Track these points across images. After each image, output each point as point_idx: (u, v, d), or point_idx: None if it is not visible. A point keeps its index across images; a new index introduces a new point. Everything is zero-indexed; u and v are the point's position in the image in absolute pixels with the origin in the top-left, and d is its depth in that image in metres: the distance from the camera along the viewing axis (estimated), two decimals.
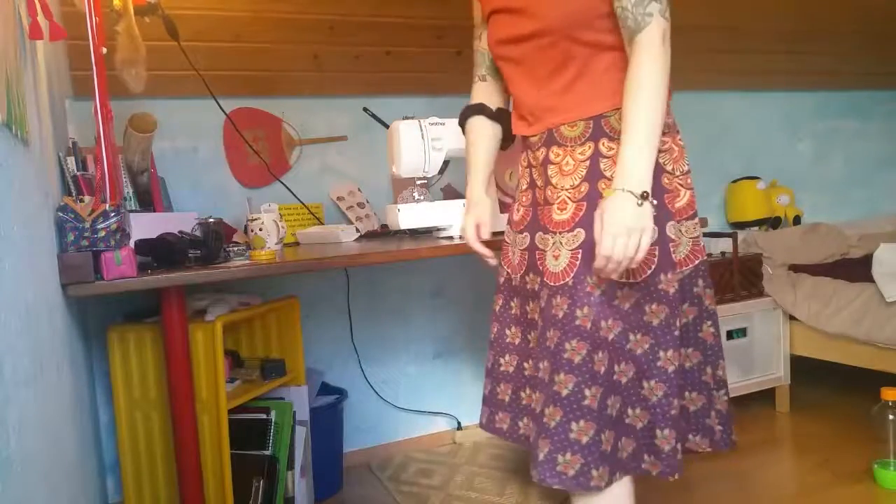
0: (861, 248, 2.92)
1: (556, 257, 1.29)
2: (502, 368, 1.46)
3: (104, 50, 1.53)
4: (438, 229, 1.95)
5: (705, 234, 2.79)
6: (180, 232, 1.59)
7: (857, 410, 2.50)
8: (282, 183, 2.35)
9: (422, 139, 1.85)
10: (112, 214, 1.38)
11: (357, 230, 2.19)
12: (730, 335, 2.58)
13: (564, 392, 1.23)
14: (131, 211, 1.78)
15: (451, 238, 1.88)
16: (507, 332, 1.47)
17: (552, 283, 1.28)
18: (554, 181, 1.34)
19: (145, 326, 1.84)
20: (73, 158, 1.68)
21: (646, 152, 1.17)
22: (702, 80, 3.02)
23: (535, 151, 1.40)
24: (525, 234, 1.42)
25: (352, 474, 2.38)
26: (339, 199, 2.44)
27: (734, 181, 3.15)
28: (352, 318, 2.50)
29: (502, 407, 1.47)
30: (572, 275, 1.26)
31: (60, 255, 1.31)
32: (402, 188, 2.38)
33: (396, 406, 2.58)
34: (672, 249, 1.27)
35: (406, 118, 1.89)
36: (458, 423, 2.66)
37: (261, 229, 1.88)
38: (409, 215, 1.86)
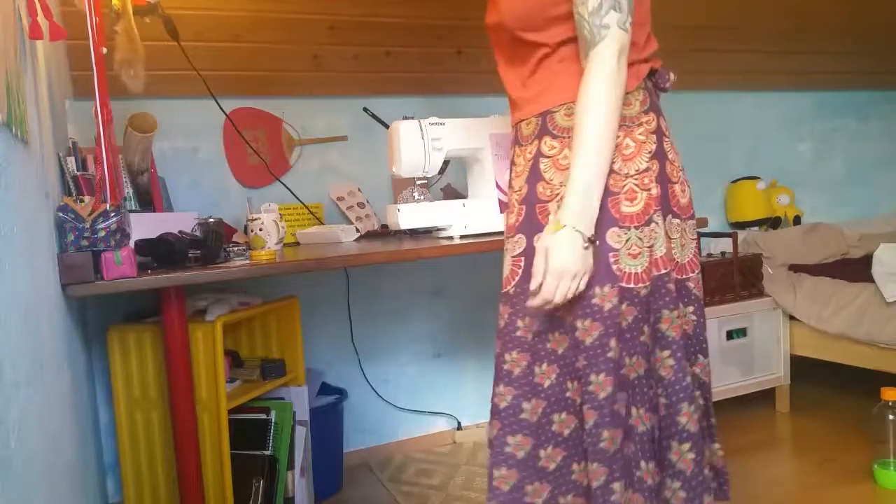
0: (861, 248, 2.92)
1: (505, 263, 1.24)
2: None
3: (104, 50, 1.53)
4: (438, 229, 1.95)
5: (705, 234, 2.80)
6: (180, 232, 1.59)
7: (857, 410, 2.50)
8: (282, 183, 2.35)
9: (422, 139, 1.85)
10: (112, 214, 1.38)
11: (357, 230, 2.19)
12: (730, 335, 2.59)
13: (503, 405, 1.17)
14: (131, 211, 1.78)
15: (451, 238, 1.88)
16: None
17: (502, 290, 1.23)
18: (512, 183, 1.29)
19: (145, 326, 1.84)
20: (73, 158, 1.68)
21: (596, 186, 1.10)
22: (702, 81, 3.02)
23: (511, 150, 1.34)
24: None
25: (352, 474, 2.38)
26: (339, 199, 2.44)
27: (734, 181, 3.15)
28: (352, 318, 2.50)
29: None
30: (514, 283, 1.20)
31: (60, 255, 1.31)
32: (402, 188, 2.39)
33: (396, 406, 2.58)
34: (613, 260, 1.14)
35: (406, 118, 1.89)
36: (458, 423, 2.66)
37: (261, 229, 1.88)
38: (409, 215, 1.86)
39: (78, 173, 1.66)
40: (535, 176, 1.20)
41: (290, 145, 2.42)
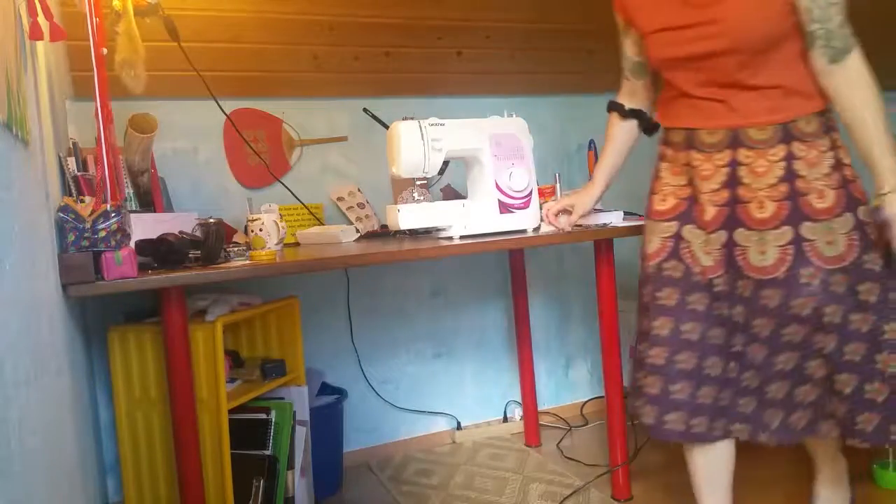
0: None
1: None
2: (681, 367, 1.48)
3: (104, 50, 1.53)
4: (438, 229, 1.96)
5: None
6: (181, 232, 1.60)
7: None
8: (282, 183, 2.36)
9: (421, 140, 1.85)
10: (113, 215, 1.38)
11: (357, 230, 2.19)
12: None
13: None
14: (132, 211, 1.79)
15: (450, 238, 1.88)
16: (685, 328, 1.48)
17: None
18: (753, 185, 1.44)
19: (146, 326, 1.84)
20: (73, 159, 1.68)
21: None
22: None
23: (702, 154, 1.50)
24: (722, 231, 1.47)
25: (352, 474, 2.38)
26: (339, 199, 2.44)
27: None
28: (352, 318, 2.50)
29: (684, 407, 1.50)
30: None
31: (61, 256, 1.31)
32: (402, 188, 2.39)
33: (396, 406, 2.58)
34: (869, 231, 1.43)
35: (406, 119, 1.89)
36: (458, 423, 2.66)
37: (261, 230, 1.88)
38: (409, 215, 1.86)
39: (78, 174, 1.66)
40: (792, 174, 1.42)
41: (290, 146, 2.43)
